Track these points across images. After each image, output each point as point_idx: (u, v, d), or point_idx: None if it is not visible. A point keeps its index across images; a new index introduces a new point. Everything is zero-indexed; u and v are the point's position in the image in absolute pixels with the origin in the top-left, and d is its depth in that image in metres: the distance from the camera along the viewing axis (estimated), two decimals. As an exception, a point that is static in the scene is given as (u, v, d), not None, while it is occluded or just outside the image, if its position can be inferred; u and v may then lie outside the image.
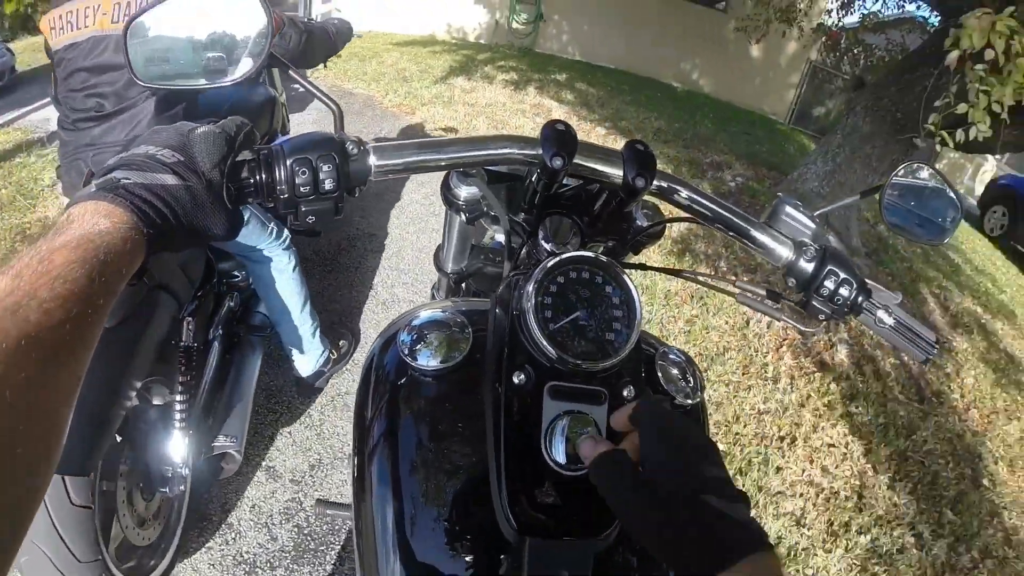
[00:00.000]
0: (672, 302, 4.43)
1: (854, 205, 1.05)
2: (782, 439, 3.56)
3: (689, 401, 1.00)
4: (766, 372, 4.01)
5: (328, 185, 0.82)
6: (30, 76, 10.67)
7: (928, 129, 4.73)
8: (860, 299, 0.98)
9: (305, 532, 2.53)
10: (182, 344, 2.17)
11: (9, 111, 8.28)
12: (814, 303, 0.98)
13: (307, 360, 2.96)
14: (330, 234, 4.35)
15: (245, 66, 1.01)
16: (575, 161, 0.89)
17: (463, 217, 1.20)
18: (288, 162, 0.81)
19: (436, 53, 10.98)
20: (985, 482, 4.11)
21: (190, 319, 2.21)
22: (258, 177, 0.82)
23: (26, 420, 0.45)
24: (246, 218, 2.28)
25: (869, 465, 3.63)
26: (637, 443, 0.70)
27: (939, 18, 6.85)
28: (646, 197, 1.02)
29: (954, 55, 4.21)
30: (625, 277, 0.89)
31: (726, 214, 1.01)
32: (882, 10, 9.75)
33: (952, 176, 18.35)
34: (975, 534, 3.55)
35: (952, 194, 1.15)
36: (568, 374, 0.83)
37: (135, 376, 1.83)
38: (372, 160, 0.87)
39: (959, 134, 4.56)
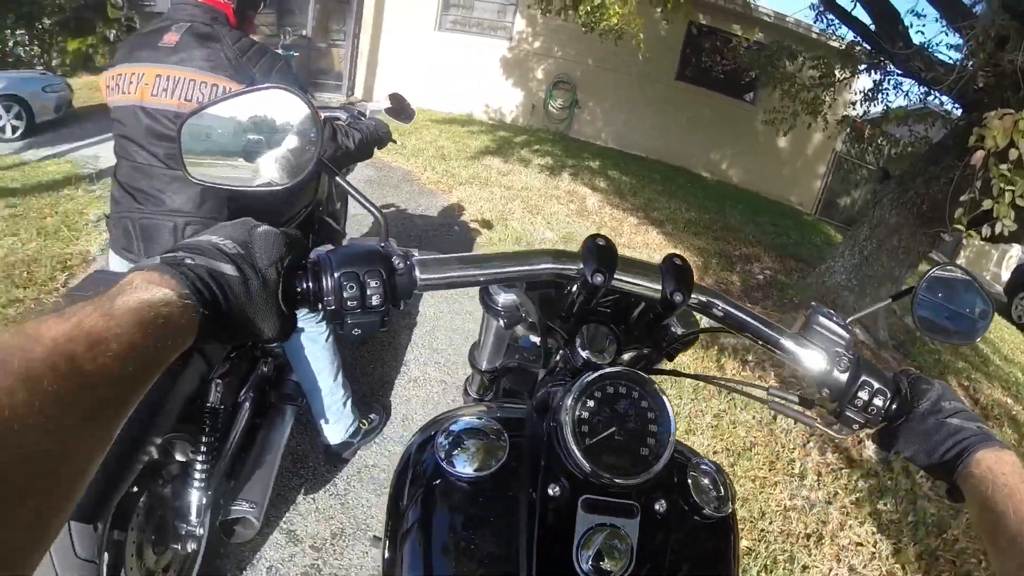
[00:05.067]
0: (700, 396, 4.43)
1: (885, 308, 1.03)
2: (808, 537, 3.49)
3: (718, 513, 0.97)
4: (793, 468, 3.98)
5: (375, 300, 0.83)
6: (84, 112, 11.27)
7: (955, 224, 4.77)
8: (894, 407, 0.95)
9: (321, 601, 2.55)
10: (209, 405, 2.21)
11: (62, 143, 8.88)
12: (848, 413, 0.96)
13: (336, 430, 2.98)
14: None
15: (292, 173, 1.03)
16: (615, 276, 0.90)
17: (501, 323, 1.21)
18: (335, 275, 0.82)
19: (473, 133, 11.31)
20: None
21: (219, 381, 2.24)
22: (306, 285, 0.82)
23: (55, 466, 0.46)
24: None
25: (899, 565, 3.55)
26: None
27: (960, 110, 6.93)
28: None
29: (979, 154, 4.24)
30: (660, 393, 0.91)
31: (760, 326, 1.00)
32: (906, 103, 9.84)
33: (978, 263, 18.23)
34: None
35: (983, 294, 1.13)
36: (601, 488, 0.85)
37: (157, 431, 1.86)
38: (417, 274, 0.88)
39: (985, 229, 4.61)
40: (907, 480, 4.26)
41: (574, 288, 0.96)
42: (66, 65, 18.50)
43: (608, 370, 0.91)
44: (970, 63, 5.73)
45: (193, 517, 2.14)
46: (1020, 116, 4.07)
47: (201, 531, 2.17)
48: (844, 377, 0.96)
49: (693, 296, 0.94)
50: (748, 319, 1.00)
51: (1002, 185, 4.27)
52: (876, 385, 0.94)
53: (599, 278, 0.87)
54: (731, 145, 14.78)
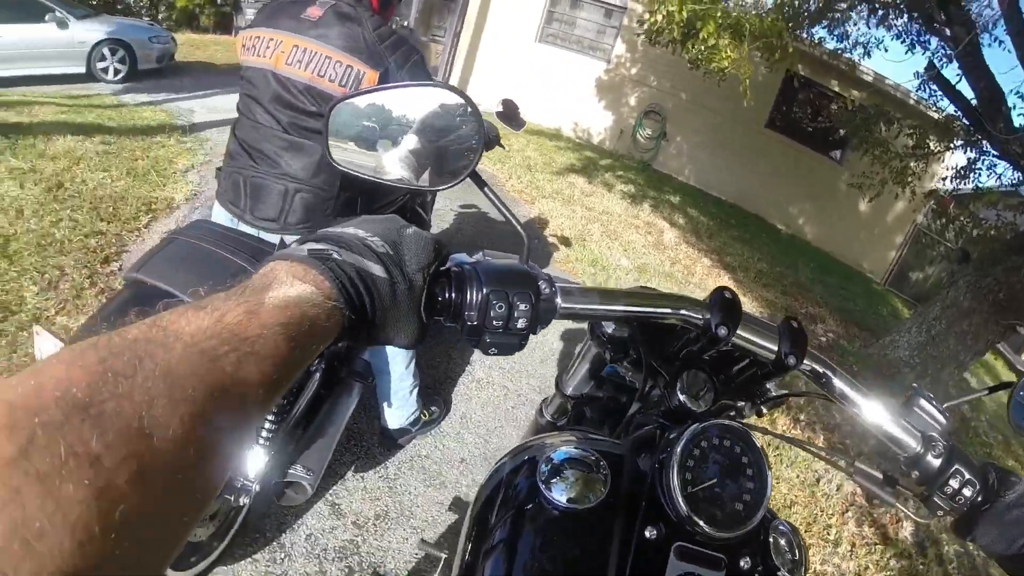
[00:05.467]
0: (749, 445, 4.38)
1: (942, 394, 1.02)
2: (833, 606, 3.43)
3: None
4: (828, 534, 3.96)
5: (521, 324, 0.80)
6: (184, 67, 12.05)
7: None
8: (979, 498, 0.95)
9: (355, 576, 2.62)
10: None
11: (160, 92, 9.46)
12: (935, 499, 0.95)
13: (398, 415, 3.04)
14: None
15: (444, 177, 1.02)
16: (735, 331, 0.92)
17: (607, 355, 1.20)
18: (484, 291, 0.79)
19: (560, 148, 11.52)
20: None
21: None
22: (448, 295, 0.79)
23: (195, 474, 0.42)
24: None
25: (917, 652, 3.50)
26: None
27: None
28: None
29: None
30: (762, 452, 0.90)
31: (862, 402, 0.99)
32: (996, 184, 9.59)
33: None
34: None
35: None
36: (693, 536, 0.85)
37: None
38: (559, 301, 0.86)
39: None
40: (939, 568, 4.22)
41: (692, 335, 0.98)
42: (171, 20, 19.40)
43: (720, 421, 0.91)
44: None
45: (249, 472, 2.21)
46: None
47: (256, 487, 2.24)
48: (937, 463, 0.96)
49: (805, 362, 0.96)
50: (852, 392, 1.00)
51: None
52: (967, 475, 0.94)
53: (723, 331, 0.90)
54: (810, 201, 14.59)
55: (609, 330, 1.17)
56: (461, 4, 14.16)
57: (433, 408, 3.42)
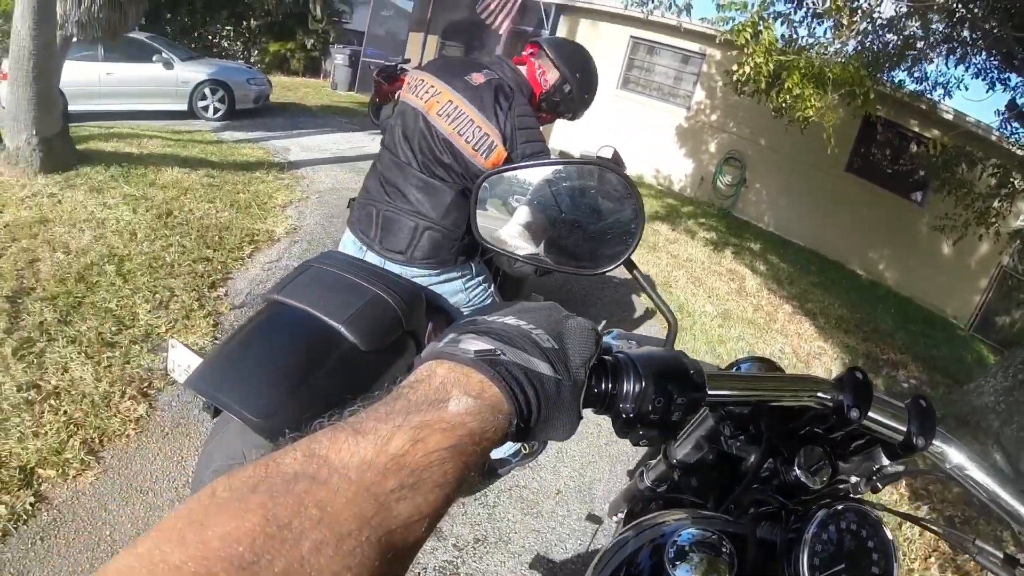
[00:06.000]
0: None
1: None
2: (910, 655, 3.41)
3: None
4: None
5: (676, 417, 0.77)
6: (278, 108, 13.02)
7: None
8: None
9: (451, 598, 2.73)
10: None
11: (256, 131, 10.24)
12: None
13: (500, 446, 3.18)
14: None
15: (602, 262, 0.96)
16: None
17: (727, 431, 1.14)
18: (643, 384, 0.75)
19: (643, 196, 11.45)
20: None
21: None
22: (604, 387, 0.76)
23: None
24: None
25: None
26: None
27: None
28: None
29: None
30: (890, 538, 0.86)
31: (987, 480, 0.93)
32: None
33: None
34: None
35: None
36: None
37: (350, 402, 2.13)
38: (707, 390, 0.82)
39: None
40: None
41: (819, 414, 0.95)
42: (263, 63, 20.45)
43: (853, 505, 0.89)
44: None
45: None
46: None
47: None
48: None
49: (935, 443, 0.92)
50: (977, 473, 0.95)
51: None
52: None
53: (855, 413, 0.85)
54: (890, 245, 14.25)
55: (730, 405, 1.11)
56: (546, 48, 14.47)
57: (534, 442, 3.57)
